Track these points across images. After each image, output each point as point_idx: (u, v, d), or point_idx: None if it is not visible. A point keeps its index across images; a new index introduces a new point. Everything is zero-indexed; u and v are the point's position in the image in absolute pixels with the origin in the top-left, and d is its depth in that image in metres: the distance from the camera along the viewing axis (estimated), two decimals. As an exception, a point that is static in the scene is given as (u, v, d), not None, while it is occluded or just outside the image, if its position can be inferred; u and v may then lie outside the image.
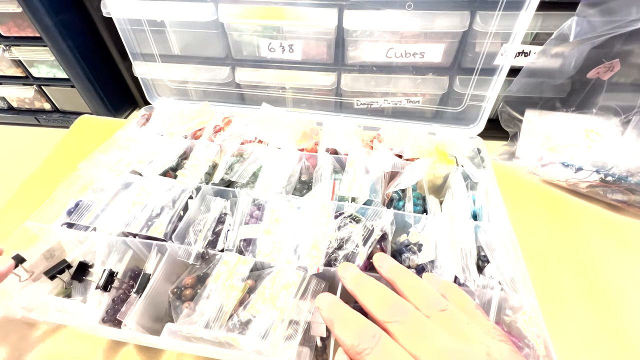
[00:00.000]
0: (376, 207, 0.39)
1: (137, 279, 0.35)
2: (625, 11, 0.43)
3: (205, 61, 0.58)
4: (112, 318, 0.34)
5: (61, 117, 0.68)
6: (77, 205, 0.40)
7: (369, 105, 0.58)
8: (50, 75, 0.63)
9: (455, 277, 0.34)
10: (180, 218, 0.39)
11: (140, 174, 0.45)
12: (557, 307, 0.39)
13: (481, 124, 0.55)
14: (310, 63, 0.55)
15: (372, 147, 0.50)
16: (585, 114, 0.53)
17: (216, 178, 0.44)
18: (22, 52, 0.59)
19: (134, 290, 0.34)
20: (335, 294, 0.33)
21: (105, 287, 0.34)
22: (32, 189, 0.52)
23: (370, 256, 0.36)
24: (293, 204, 0.40)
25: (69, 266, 0.36)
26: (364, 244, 0.35)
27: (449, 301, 0.27)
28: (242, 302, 0.32)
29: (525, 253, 0.37)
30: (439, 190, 0.47)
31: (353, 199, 0.41)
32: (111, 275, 0.35)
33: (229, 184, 0.45)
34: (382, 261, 0.31)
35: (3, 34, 0.58)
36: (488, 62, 0.49)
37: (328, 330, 0.32)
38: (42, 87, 0.65)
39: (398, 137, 0.51)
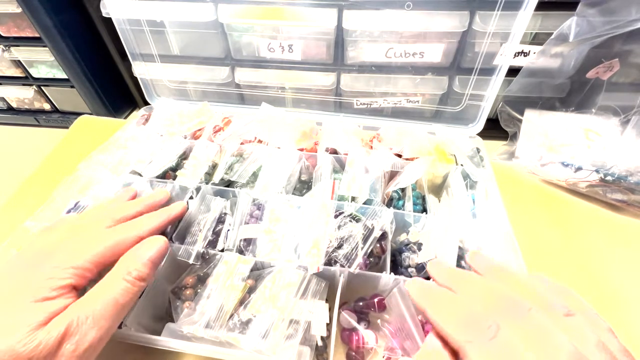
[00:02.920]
0: (376, 207, 0.39)
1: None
2: (625, 11, 0.43)
3: (205, 61, 0.58)
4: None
5: (61, 117, 0.68)
6: (76, 205, 0.40)
7: (369, 105, 0.58)
8: (50, 76, 0.63)
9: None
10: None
11: (140, 174, 0.45)
12: (557, 306, 0.39)
13: (480, 124, 0.56)
14: (310, 63, 0.55)
15: (371, 147, 0.50)
16: (585, 113, 0.54)
17: (216, 178, 0.44)
18: (21, 53, 0.59)
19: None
20: (335, 293, 0.33)
21: None
22: (31, 189, 0.52)
23: (369, 255, 0.36)
24: (293, 204, 0.40)
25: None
26: (364, 243, 0.35)
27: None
28: (242, 302, 0.32)
29: (525, 252, 0.37)
30: (438, 189, 0.48)
31: (353, 199, 0.41)
32: None
33: (229, 183, 0.45)
34: (479, 260, 0.28)
35: (3, 35, 0.58)
36: (487, 62, 0.49)
37: (328, 330, 0.32)
38: (42, 87, 0.65)
39: (397, 136, 0.51)
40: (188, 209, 0.39)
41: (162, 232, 0.35)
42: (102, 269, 0.29)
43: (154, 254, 0.30)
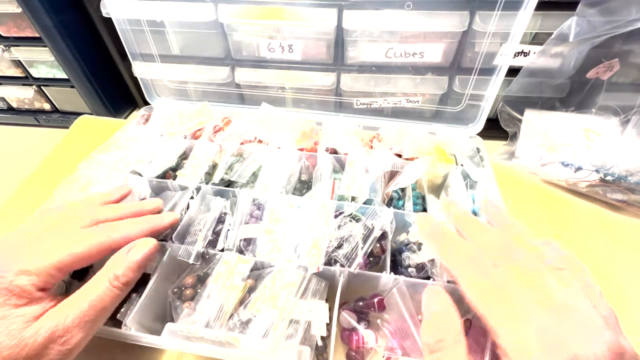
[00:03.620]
0: (376, 207, 0.39)
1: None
2: (625, 11, 0.43)
3: (205, 61, 0.58)
4: (112, 318, 0.34)
5: (61, 117, 0.68)
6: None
7: (369, 105, 0.58)
8: (50, 76, 0.63)
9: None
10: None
11: (140, 174, 0.45)
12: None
13: (480, 124, 0.56)
14: (310, 63, 0.55)
15: (371, 147, 0.50)
16: (585, 113, 0.54)
17: (216, 178, 0.44)
18: (21, 53, 0.59)
19: (135, 290, 0.34)
20: (335, 293, 0.33)
21: None
22: (31, 189, 0.52)
23: (369, 255, 0.36)
24: (293, 204, 0.40)
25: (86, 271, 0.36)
26: (364, 242, 0.35)
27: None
28: (242, 302, 0.32)
29: (525, 252, 0.37)
30: (438, 189, 0.47)
31: (353, 198, 0.41)
32: None
33: (229, 183, 0.45)
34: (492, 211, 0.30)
35: (3, 34, 0.58)
36: (487, 62, 0.49)
37: (328, 330, 0.32)
38: (42, 87, 0.65)
39: (397, 136, 0.51)
40: (181, 221, 0.38)
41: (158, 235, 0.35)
42: (72, 270, 0.29)
43: (141, 258, 0.30)
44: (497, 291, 0.21)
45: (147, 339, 0.30)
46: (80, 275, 0.36)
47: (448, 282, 0.33)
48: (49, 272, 0.27)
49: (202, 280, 0.34)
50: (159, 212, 0.38)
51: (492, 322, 0.21)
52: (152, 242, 0.31)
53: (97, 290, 0.27)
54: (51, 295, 0.27)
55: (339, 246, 0.36)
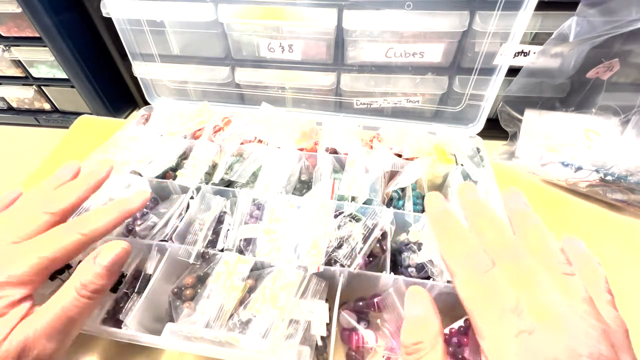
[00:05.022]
0: (376, 207, 0.39)
1: (137, 279, 0.35)
2: (625, 11, 0.43)
3: (205, 61, 0.58)
4: (113, 318, 0.34)
5: (61, 117, 0.68)
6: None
7: (369, 105, 0.58)
8: (50, 76, 0.63)
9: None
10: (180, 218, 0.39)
11: (140, 174, 0.45)
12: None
13: (480, 124, 0.56)
14: (310, 63, 0.55)
15: (371, 147, 0.50)
16: (585, 113, 0.54)
17: (216, 178, 0.44)
18: (21, 53, 0.59)
19: (135, 290, 0.34)
20: (335, 293, 0.33)
21: (115, 289, 0.34)
22: (32, 189, 0.52)
23: (369, 255, 0.36)
24: (293, 204, 0.40)
25: (68, 266, 0.36)
26: (364, 242, 0.35)
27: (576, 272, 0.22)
28: (242, 302, 0.32)
29: (525, 252, 0.37)
30: (438, 189, 0.48)
31: (353, 198, 0.41)
32: (120, 276, 0.35)
33: (229, 183, 0.45)
34: (512, 197, 0.29)
35: (3, 34, 0.58)
36: (487, 62, 0.49)
37: (328, 330, 0.32)
38: (42, 87, 0.65)
39: (397, 136, 0.51)
40: (181, 221, 0.37)
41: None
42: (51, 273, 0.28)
43: (109, 263, 0.27)
44: (487, 291, 0.21)
45: (147, 339, 0.30)
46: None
47: (448, 282, 0.33)
48: (25, 281, 0.26)
49: (202, 280, 0.34)
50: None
51: (476, 321, 0.20)
52: (120, 245, 0.28)
53: (64, 301, 0.26)
54: (30, 302, 0.26)
55: (339, 246, 0.36)
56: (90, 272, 0.27)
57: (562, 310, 0.19)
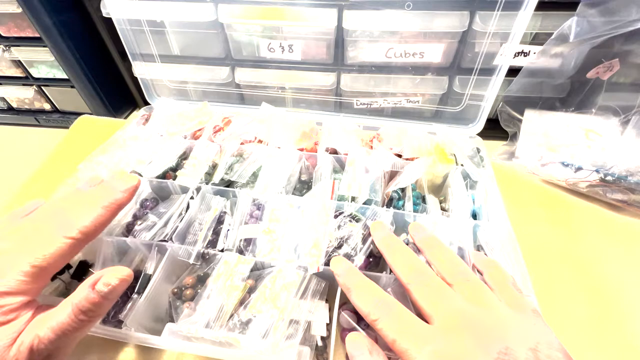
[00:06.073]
0: (376, 207, 0.39)
1: (137, 279, 0.35)
2: (625, 11, 0.43)
3: (205, 61, 0.58)
4: (113, 318, 0.34)
5: (61, 117, 0.68)
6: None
7: (369, 105, 0.58)
8: (50, 76, 0.63)
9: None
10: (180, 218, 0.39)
11: (140, 175, 0.45)
12: (556, 306, 0.39)
13: (480, 124, 0.56)
14: (310, 63, 0.55)
15: (371, 147, 0.50)
16: (585, 113, 0.54)
17: (216, 178, 0.44)
18: (22, 53, 0.59)
19: (135, 290, 0.34)
20: (335, 293, 0.33)
21: None
22: (32, 189, 0.52)
23: (369, 255, 0.36)
24: (293, 204, 0.40)
25: (68, 266, 0.36)
26: (364, 243, 0.36)
27: (485, 276, 0.30)
28: (242, 302, 0.32)
29: (525, 252, 0.37)
30: (438, 189, 0.48)
31: (353, 199, 0.41)
32: None
33: (229, 184, 0.45)
34: (417, 231, 0.34)
35: (3, 34, 0.58)
36: (487, 62, 0.49)
37: (328, 330, 0.32)
38: (42, 87, 0.65)
39: (397, 136, 0.51)
40: (181, 221, 0.37)
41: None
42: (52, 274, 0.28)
43: (107, 292, 0.27)
44: (430, 290, 0.27)
45: (147, 339, 0.31)
46: (79, 274, 0.36)
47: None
48: (23, 289, 0.26)
49: (202, 280, 0.34)
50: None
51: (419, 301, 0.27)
52: (121, 274, 0.27)
53: (60, 318, 0.25)
54: (33, 309, 0.26)
55: (339, 246, 0.36)
56: (86, 298, 0.26)
57: (471, 311, 0.25)
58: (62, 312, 0.26)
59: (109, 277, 0.27)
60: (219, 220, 0.39)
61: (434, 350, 0.22)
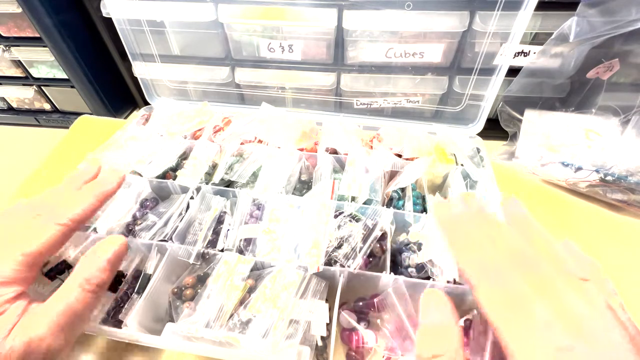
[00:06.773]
0: (376, 207, 0.39)
1: (137, 279, 0.35)
2: (625, 11, 0.43)
3: (205, 61, 0.58)
4: (113, 318, 0.34)
5: (61, 117, 0.68)
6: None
7: (369, 105, 0.58)
8: (50, 76, 0.63)
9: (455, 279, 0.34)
10: (180, 218, 0.39)
11: (140, 175, 0.45)
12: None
13: (480, 124, 0.56)
14: (310, 63, 0.55)
15: (371, 147, 0.50)
16: (585, 113, 0.54)
17: (216, 178, 0.44)
18: (21, 53, 0.59)
19: (135, 290, 0.34)
20: (335, 293, 0.33)
21: (115, 288, 0.34)
22: (32, 189, 0.52)
23: (369, 255, 0.36)
24: (293, 204, 0.40)
25: (68, 266, 0.36)
26: (364, 243, 0.35)
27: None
28: (242, 302, 0.32)
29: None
30: (438, 189, 0.48)
31: (353, 198, 0.41)
32: (119, 276, 0.35)
33: (229, 183, 0.45)
34: (512, 205, 0.28)
35: (3, 34, 0.58)
36: (487, 62, 0.49)
37: (328, 330, 0.32)
38: (42, 87, 0.65)
39: (397, 136, 0.51)
40: (181, 221, 0.37)
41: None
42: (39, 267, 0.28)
43: (112, 256, 0.29)
44: (513, 304, 0.20)
45: (147, 339, 0.31)
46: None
47: (448, 282, 0.33)
48: (16, 279, 0.26)
49: (202, 280, 0.34)
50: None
51: (504, 337, 0.19)
52: (119, 241, 0.30)
53: (68, 297, 0.26)
54: (27, 300, 0.26)
55: (339, 246, 0.36)
56: (93, 266, 0.28)
57: (595, 324, 0.19)
58: (68, 292, 0.26)
59: (110, 243, 0.29)
60: (219, 220, 0.39)
61: None
